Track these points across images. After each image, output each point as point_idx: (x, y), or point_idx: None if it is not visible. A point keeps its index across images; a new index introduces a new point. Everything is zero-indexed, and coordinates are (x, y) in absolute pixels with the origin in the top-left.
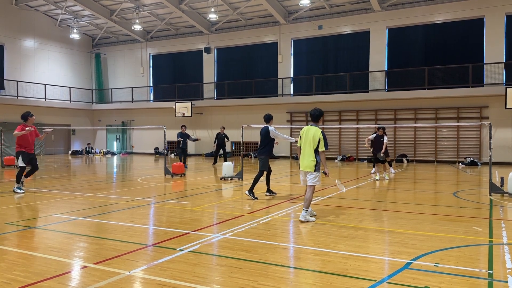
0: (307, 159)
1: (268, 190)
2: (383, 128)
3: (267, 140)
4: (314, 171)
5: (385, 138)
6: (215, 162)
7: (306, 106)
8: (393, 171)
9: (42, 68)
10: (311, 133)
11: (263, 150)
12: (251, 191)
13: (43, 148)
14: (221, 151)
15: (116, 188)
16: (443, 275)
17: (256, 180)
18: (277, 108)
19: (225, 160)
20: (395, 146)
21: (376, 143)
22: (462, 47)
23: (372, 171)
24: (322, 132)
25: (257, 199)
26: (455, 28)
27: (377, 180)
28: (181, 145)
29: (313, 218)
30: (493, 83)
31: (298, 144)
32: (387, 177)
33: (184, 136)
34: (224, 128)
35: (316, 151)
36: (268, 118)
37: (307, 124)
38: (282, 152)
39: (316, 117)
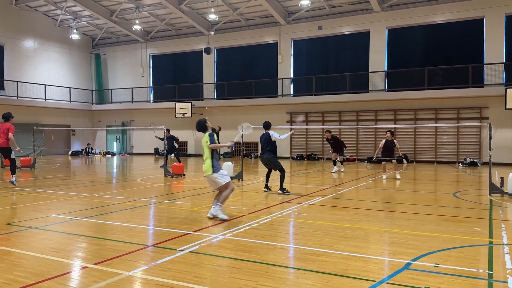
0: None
1: (266, 186)
2: (391, 133)
3: (268, 142)
4: (213, 172)
5: (395, 141)
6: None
7: (306, 106)
8: (398, 176)
9: (42, 68)
10: (204, 140)
11: (268, 151)
12: (282, 188)
13: (43, 149)
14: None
15: (116, 189)
16: (443, 275)
17: (282, 179)
18: (277, 108)
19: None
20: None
21: (388, 149)
22: (462, 48)
23: (384, 177)
24: (210, 134)
25: (289, 193)
26: (455, 29)
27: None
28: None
29: (224, 216)
30: (493, 83)
31: None
32: (398, 177)
33: (168, 139)
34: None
35: (212, 153)
36: (268, 126)
37: (306, 125)
38: (282, 153)
39: (201, 127)
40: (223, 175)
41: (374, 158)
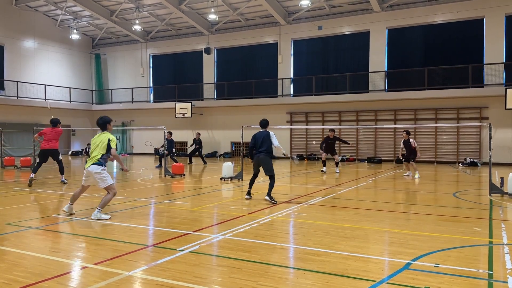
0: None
1: (249, 193)
2: (407, 132)
3: (265, 142)
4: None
5: (412, 140)
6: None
7: (306, 106)
8: (406, 174)
9: (42, 68)
10: (100, 139)
11: (264, 151)
12: (270, 196)
13: None
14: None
15: (116, 189)
16: (443, 275)
17: (272, 186)
18: (277, 108)
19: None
20: (395, 146)
21: (406, 148)
22: (462, 48)
23: (406, 174)
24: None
25: (276, 203)
26: (455, 29)
27: (417, 178)
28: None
29: (106, 216)
30: (493, 83)
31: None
32: (416, 176)
33: (169, 142)
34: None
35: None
36: (266, 124)
37: (306, 125)
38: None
39: (101, 125)
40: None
41: (398, 157)
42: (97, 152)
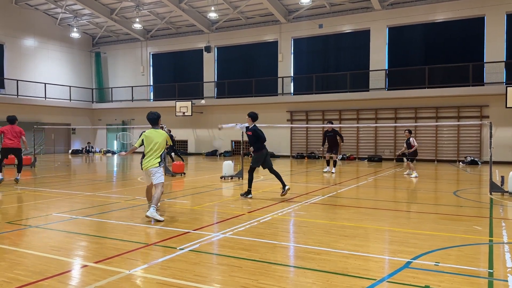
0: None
1: (250, 192)
2: (409, 131)
3: (258, 137)
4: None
5: (412, 139)
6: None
7: (306, 105)
8: (407, 173)
9: (42, 67)
10: (158, 138)
11: (260, 146)
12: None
13: (43, 147)
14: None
15: (116, 187)
16: (443, 274)
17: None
18: (277, 107)
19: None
20: (396, 145)
21: (407, 147)
22: (463, 46)
23: (406, 173)
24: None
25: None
26: (455, 27)
27: (414, 177)
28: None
29: (161, 218)
30: (494, 82)
31: (136, 145)
32: (412, 175)
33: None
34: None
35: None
36: (256, 116)
37: (307, 123)
38: (283, 151)
39: (153, 120)
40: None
41: (399, 154)
42: (156, 152)
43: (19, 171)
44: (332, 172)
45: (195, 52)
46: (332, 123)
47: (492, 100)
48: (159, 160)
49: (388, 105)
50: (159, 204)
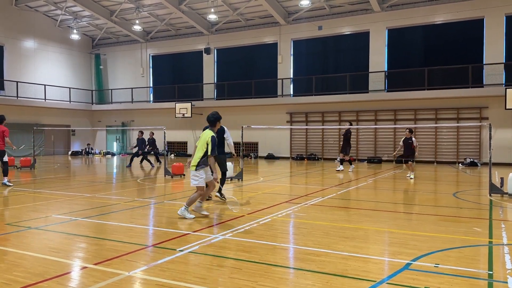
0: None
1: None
2: (410, 131)
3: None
4: (196, 169)
5: (413, 139)
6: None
7: (306, 106)
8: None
9: (42, 68)
10: (203, 137)
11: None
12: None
13: (43, 149)
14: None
15: (116, 189)
16: (443, 275)
17: (223, 182)
18: (277, 108)
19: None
20: (395, 147)
21: (406, 146)
22: (462, 48)
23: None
24: (212, 137)
25: (225, 200)
26: (455, 29)
27: (411, 178)
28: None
29: (191, 215)
30: (493, 83)
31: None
32: (411, 177)
33: (139, 141)
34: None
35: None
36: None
37: (306, 125)
38: (282, 153)
39: (212, 121)
40: (199, 179)
41: (394, 155)
42: (197, 154)
43: (5, 174)
44: (338, 170)
45: (194, 54)
46: (351, 124)
47: (492, 101)
48: (195, 163)
49: (387, 107)
50: (198, 204)
